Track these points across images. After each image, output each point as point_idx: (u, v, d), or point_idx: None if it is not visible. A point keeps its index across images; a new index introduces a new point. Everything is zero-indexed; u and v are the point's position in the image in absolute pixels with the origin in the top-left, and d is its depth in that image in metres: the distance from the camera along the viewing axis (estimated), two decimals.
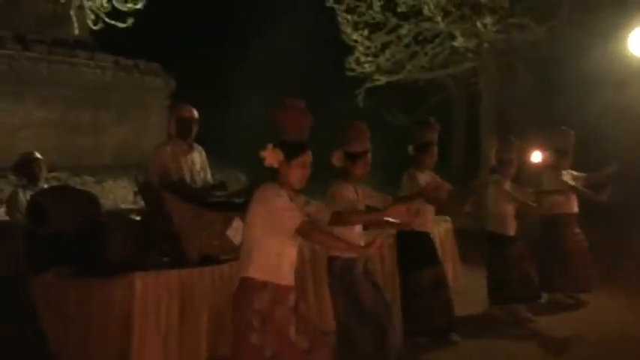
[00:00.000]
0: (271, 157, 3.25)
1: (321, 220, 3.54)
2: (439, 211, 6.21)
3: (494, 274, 6.30)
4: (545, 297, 6.73)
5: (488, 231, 6.35)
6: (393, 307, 4.50)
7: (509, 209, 6.23)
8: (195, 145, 5.73)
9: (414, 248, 5.46)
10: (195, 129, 5.62)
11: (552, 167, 6.85)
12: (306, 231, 3.21)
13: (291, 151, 3.29)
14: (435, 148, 5.55)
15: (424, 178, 5.44)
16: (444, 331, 5.53)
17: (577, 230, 6.91)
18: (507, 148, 6.27)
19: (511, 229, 6.25)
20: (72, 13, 9.73)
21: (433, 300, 5.44)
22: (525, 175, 6.52)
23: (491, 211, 6.31)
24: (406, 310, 5.47)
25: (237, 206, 5.18)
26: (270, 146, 3.28)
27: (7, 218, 6.42)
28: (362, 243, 4.39)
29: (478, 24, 11.86)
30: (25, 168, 6.07)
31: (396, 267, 6.41)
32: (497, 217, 6.25)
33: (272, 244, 3.26)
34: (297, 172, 3.32)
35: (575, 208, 6.91)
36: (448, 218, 7.85)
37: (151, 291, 4.46)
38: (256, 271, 3.26)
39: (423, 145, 5.52)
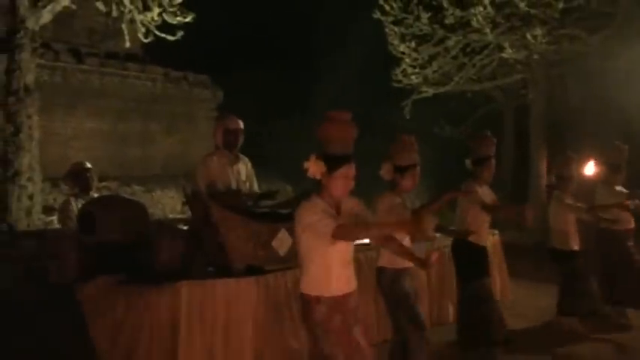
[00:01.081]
0: (314, 168, 3.26)
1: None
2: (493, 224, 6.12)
3: (568, 287, 6.17)
4: (607, 310, 6.60)
5: (552, 248, 6.23)
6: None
7: (572, 224, 6.14)
8: (241, 155, 5.77)
9: (472, 261, 5.39)
10: (241, 140, 5.66)
11: (605, 182, 6.69)
12: (344, 233, 3.20)
13: (334, 162, 3.28)
14: (493, 162, 5.47)
15: (482, 192, 5.38)
16: (499, 345, 5.43)
17: (632, 244, 6.73)
18: (567, 164, 6.19)
19: (575, 243, 6.17)
20: (123, 26, 9.91)
21: (491, 311, 5.35)
22: (577, 189, 6.35)
23: (554, 228, 6.21)
24: (465, 323, 5.40)
25: (284, 217, 5.18)
26: (313, 157, 3.28)
27: (59, 227, 6.54)
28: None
29: (528, 35, 11.68)
30: (77, 177, 6.19)
31: (442, 280, 6.38)
32: (560, 233, 6.16)
33: (318, 259, 3.30)
34: (339, 184, 3.31)
35: (632, 224, 6.72)
36: (496, 231, 7.72)
37: (197, 300, 4.48)
38: (308, 286, 3.33)
39: (480, 159, 5.45)
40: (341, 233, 3.19)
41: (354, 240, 3.40)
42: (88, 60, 12.10)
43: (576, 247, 6.18)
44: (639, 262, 6.66)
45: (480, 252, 5.42)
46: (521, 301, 7.31)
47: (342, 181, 3.31)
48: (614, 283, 6.61)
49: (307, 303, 3.30)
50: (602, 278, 6.61)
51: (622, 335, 6.19)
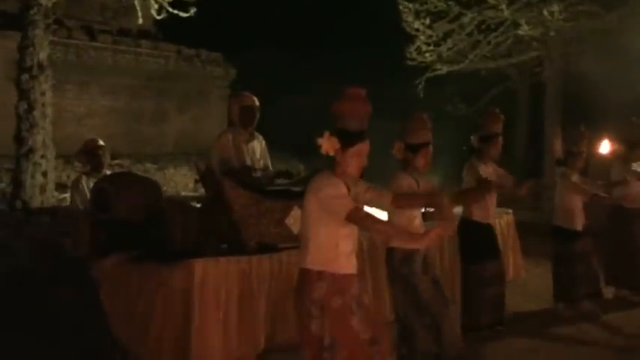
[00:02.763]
0: (328, 144, 3.22)
1: (383, 204, 3.50)
2: (502, 203, 6.07)
3: (559, 268, 6.11)
4: (612, 292, 6.59)
5: (555, 225, 6.15)
6: (450, 306, 4.42)
7: (577, 203, 6.03)
8: (256, 133, 5.75)
9: (475, 240, 5.35)
10: (256, 117, 5.64)
11: (622, 159, 6.60)
12: (357, 218, 3.18)
13: (348, 139, 3.24)
14: (500, 140, 5.41)
15: (486, 169, 5.32)
16: (493, 326, 5.42)
17: None
18: (577, 139, 6.06)
19: (579, 223, 6.05)
20: (136, 3, 9.87)
21: (490, 295, 5.34)
22: (593, 167, 6.29)
23: (559, 205, 6.12)
24: (467, 303, 5.39)
25: (297, 195, 5.16)
26: (327, 134, 3.24)
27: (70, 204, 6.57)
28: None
29: (544, 12, 11.51)
30: (89, 155, 6.19)
31: (454, 261, 6.34)
32: (564, 211, 6.06)
33: (326, 234, 3.24)
34: (353, 161, 3.27)
35: None
36: (510, 210, 7.67)
37: (210, 277, 4.48)
38: (312, 262, 3.26)
39: (487, 136, 5.39)
40: (355, 218, 3.16)
41: (363, 228, 3.37)
42: (100, 37, 12.09)
43: (579, 228, 6.08)
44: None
45: (485, 230, 5.38)
46: (534, 281, 7.28)
47: (356, 158, 3.27)
48: (621, 265, 6.58)
49: (307, 278, 3.25)
50: (609, 258, 6.59)
51: (629, 319, 6.12)
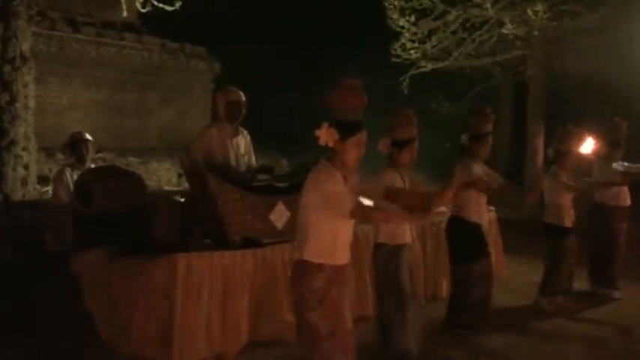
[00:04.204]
0: (326, 136, 3.23)
1: (373, 197, 3.54)
2: (490, 201, 6.10)
3: (553, 265, 6.17)
4: (590, 288, 6.74)
5: (545, 222, 6.22)
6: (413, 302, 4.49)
7: (567, 201, 6.11)
8: (241, 128, 5.74)
9: (466, 240, 5.38)
10: (243, 113, 5.63)
11: (604, 158, 6.67)
12: (359, 214, 3.24)
13: (347, 130, 3.26)
14: (490, 139, 5.44)
15: (477, 168, 5.36)
16: (477, 323, 5.46)
17: (625, 225, 6.74)
18: (566, 138, 6.13)
19: (568, 220, 6.14)
20: None
21: (478, 294, 5.37)
22: (575, 166, 6.34)
23: (549, 203, 6.18)
24: (454, 301, 5.43)
25: (281, 190, 5.17)
26: (325, 125, 3.25)
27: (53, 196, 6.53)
28: (408, 230, 4.40)
29: (529, 11, 11.58)
30: (74, 148, 6.15)
31: (437, 258, 6.39)
32: (555, 208, 6.13)
33: (326, 227, 3.27)
34: (352, 152, 3.30)
35: (628, 201, 6.73)
36: (492, 208, 7.72)
37: (194, 272, 4.48)
38: (312, 254, 3.29)
39: (478, 135, 5.42)
40: (358, 214, 3.22)
41: (366, 222, 3.42)
42: (84, 29, 11.97)
43: (569, 225, 6.15)
44: (621, 244, 6.71)
45: (474, 230, 5.40)
46: (516, 277, 7.35)
47: (356, 148, 3.30)
48: (599, 263, 6.67)
49: (306, 270, 3.28)
50: (590, 255, 6.67)
51: (606, 314, 6.22)
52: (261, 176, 5.56)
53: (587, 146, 6.51)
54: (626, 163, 6.68)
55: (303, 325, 3.30)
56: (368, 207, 3.37)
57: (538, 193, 5.30)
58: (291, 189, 5.02)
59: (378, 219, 3.50)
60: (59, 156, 9.48)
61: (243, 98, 5.63)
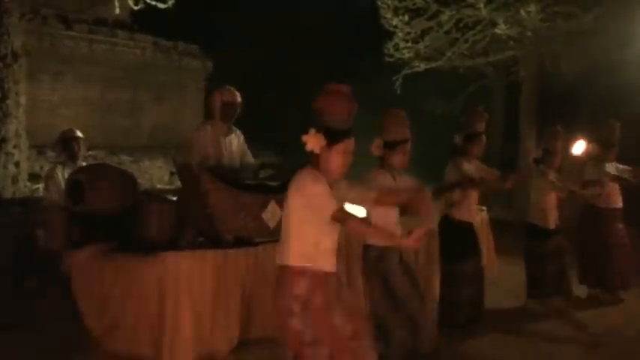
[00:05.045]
0: (313, 142, 3.16)
1: (365, 203, 3.50)
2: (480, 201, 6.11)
3: (532, 267, 6.18)
4: (584, 291, 6.70)
5: (528, 223, 6.23)
6: (426, 302, 4.45)
7: (552, 201, 6.12)
8: (234, 128, 5.75)
9: (457, 239, 5.38)
10: (237, 113, 5.64)
11: (595, 159, 6.68)
12: (340, 218, 3.15)
13: (333, 136, 3.18)
14: (484, 138, 5.46)
15: (470, 167, 5.36)
16: (471, 323, 5.46)
17: (620, 226, 6.74)
18: (553, 138, 6.15)
19: (552, 221, 6.13)
20: None
21: (470, 292, 5.38)
22: (567, 166, 6.36)
23: (534, 203, 6.19)
24: (444, 301, 5.43)
25: (274, 189, 5.16)
26: (312, 131, 3.18)
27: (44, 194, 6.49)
28: (398, 232, 4.36)
29: (522, 11, 11.60)
30: (66, 145, 6.12)
31: (430, 258, 6.37)
32: (539, 208, 6.14)
33: (309, 231, 3.20)
34: (338, 159, 3.21)
35: (620, 203, 6.73)
36: (484, 208, 7.73)
37: (185, 271, 4.47)
38: (294, 258, 3.21)
39: (471, 134, 5.42)
40: (341, 218, 3.15)
41: (348, 229, 3.35)
42: (76, 26, 11.92)
43: (552, 226, 6.16)
44: (624, 243, 6.71)
45: (467, 230, 5.41)
46: (507, 278, 7.35)
47: (342, 155, 3.21)
48: (592, 264, 6.67)
49: (289, 275, 3.21)
50: (581, 257, 6.67)
51: (598, 315, 6.23)
52: (264, 172, 5.56)
53: (579, 147, 6.53)
54: (620, 166, 6.69)
55: (287, 330, 3.23)
56: (351, 215, 3.25)
57: (514, 181, 5.31)
58: (284, 188, 5.00)
59: (358, 230, 3.35)
60: (50, 154, 9.44)
61: (239, 99, 5.63)
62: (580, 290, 6.70)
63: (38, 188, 9.31)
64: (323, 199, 3.12)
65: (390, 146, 4.36)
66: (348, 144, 3.23)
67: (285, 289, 3.22)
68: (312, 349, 3.17)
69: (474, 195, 5.41)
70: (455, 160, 5.37)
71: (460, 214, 5.33)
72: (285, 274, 3.23)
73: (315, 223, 3.19)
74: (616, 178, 6.49)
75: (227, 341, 4.73)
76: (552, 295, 6.20)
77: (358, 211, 3.81)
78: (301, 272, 3.19)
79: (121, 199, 5.08)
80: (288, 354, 3.26)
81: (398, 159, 4.39)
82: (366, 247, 4.37)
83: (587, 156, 6.77)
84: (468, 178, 5.18)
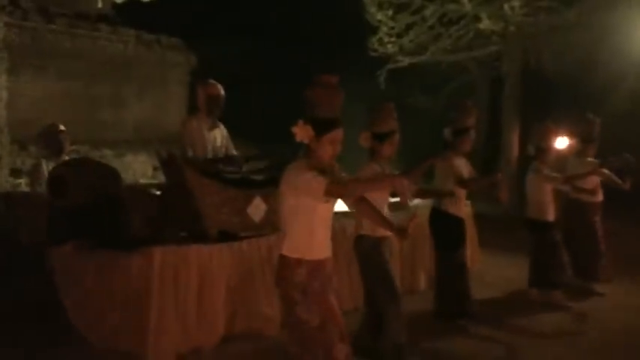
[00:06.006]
0: (302, 132, 3.21)
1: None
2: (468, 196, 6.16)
3: (537, 257, 6.22)
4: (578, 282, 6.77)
5: (528, 218, 6.29)
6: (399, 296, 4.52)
7: (549, 195, 6.19)
8: (218, 122, 5.76)
9: (447, 231, 5.42)
10: (222, 106, 5.65)
11: (577, 154, 6.74)
12: (335, 189, 3.18)
13: (322, 127, 3.24)
14: (473, 134, 5.49)
15: (460, 163, 5.40)
16: (462, 315, 5.50)
17: (599, 219, 6.83)
18: (545, 134, 6.21)
19: (550, 214, 6.21)
20: None
21: (458, 284, 5.42)
22: (549, 161, 6.40)
23: (532, 199, 6.25)
24: (442, 289, 5.47)
25: (259, 184, 5.16)
26: (301, 122, 3.24)
27: (28, 189, 6.43)
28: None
29: (505, 6, 11.67)
30: (50, 139, 6.07)
31: (415, 249, 6.42)
32: (537, 204, 6.20)
33: (302, 223, 3.26)
34: (327, 149, 3.27)
35: (601, 197, 6.81)
36: (468, 202, 7.78)
37: (170, 265, 4.46)
38: (290, 249, 3.28)
39: (460, 130, 5.45)
40: (333, 190, 3.17)
41: (344, 196, 3.41)
42: (57, 20, 11.78)
43: (550, 219, 6.23)
44: (598, 238, 6.79)
45: (458, 223, 5.46)
46: (490, 271, 7.42)
47: (330, 145, 3.27)
48: (577, 257, 6.75)
49: (288, 265, 3.27)
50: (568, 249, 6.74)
51: (587, 306, 6.30)
52: (252, 164, 5.57)
53: (561, 142, 6.59)
54: (596, 161, 6.76)
55: (293, 321, 3.27)
56: (343, 181, 3.32)
57: (506, 192, 5.36)
58: (269, 182, 5.01)
59: (358, 189, 3.44)
60: (33, 148, 9.35)
61: (223, 92, 5.65)
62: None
63: (20, 183, 9.22)
64: (312, 181, 3.16)
65: (379, 138, 4.45)
66: (337, 134, 3.29)
67: (285, 278, 3.28)
68: (322, 334, 3.22)
69: (462, 191, 5.45)
70: (445, 156, 5.41)
71: (450, 208, 5.37)
72: (283, 264, 3.29)
73: (307, 211, 3.24)
74: (601, 173, 6.53)
75: (212, 335, 4.72)
76: (553, 287, 6.27)
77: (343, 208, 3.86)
78: (298, 263, 3.25)
79: (105, 194, 5.05)
80: (291, 340, 3.29)
81: (387, 150, 4.49)
82: (359, 238, 4.42)
83: (569, 151, 6.85)
84: (460, 179, 5.23)
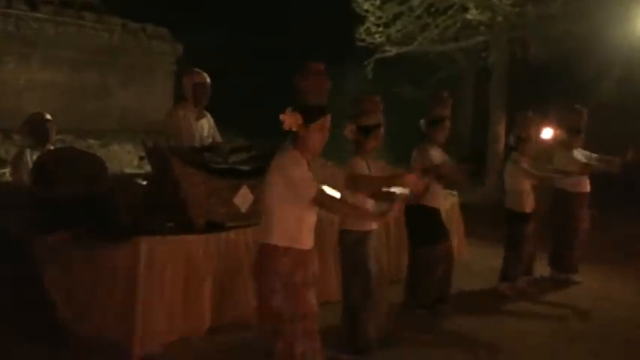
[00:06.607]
0: (290, 120, 3.21)
1: (337, 183, 3.57)
2: (445, 186, 6.14)
3: (513, 251, 6.23)
4: (550, 273, 6.85)
5: (506, 208, 6.29)
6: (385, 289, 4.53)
7: (527, 186, 6.19)
8: (205, 112, 5.74)
9: (424, 224, 5.40)
10: (208, 94, 5.63)
11: (564, 145, 6.76)
12: (322, 201, 3.24)
13: (310, 114, 3.25)
14: (448, 124, 5.46)
15: (434, 153, 5.37)
16: (440, 302, 5.52)
17: (586, 211, 6.86)
18: (526, 125, 6.20)
19: (528, 206, 6.21)
20: None
21: (439, 275, 5.41)
22: (536, 152, 6.42)
23: (510, 189, 6.26)
24: (414, 285, 5.47)
25: (245, 174, 5.13)
26: (289, 110, 3.23)
27: (12, 178, 6.36)
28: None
29: None
30: (36, 128, 5.98)
31: (400, 242, 6.42)
32: (515, 194, 6.20)
33: (291, 211, 3.25)
34: (316, 136, 3.28)
35: (588, 188, 6.83)
36: (455, 192, 7.81)
37: (157, 256, 4.43)
38: (278, 237, 3.26)
39: (435, 120, 5.43)
40: (320, 201, 3.22)
41: (329, 210, 3.43)
42: (42, 8, 11.67)
43: (528, 210, 6.23)
44: (584, 229, 6.83)
45: (433, 215, 5.42)
46: (477, 261, 7.45)
47: (319, 133, 3.29)
48: (561, 247, 6.79)
49: (273, 253, 3.25)
50: (552, 240, 6.76)
51: (565, 296, 6.35)
52: (239, 155, 5.54)
53: (548, 133, 6.60)
54: (588, 153, 6.78)
55: (266, 309, 3.27)
56: (331, 197, 3.34)
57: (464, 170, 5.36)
58: (256, 172, 4.99)
59: (341, 211, 3.50)
60: (17, 137, 9.26)
61: (209, 80, 5.64)
62: (546, 272, 6.87)
63: (5, 173, 9.14)
64: (304, 183, 3.19)
65: (364, 131, 4.43)
66: (325, 121, 3.31)
67: (268, 267, 3.26)
68: (290, 326, 3.22)
69: (440, 181, 5.42)
70: (420, 147, 5.39)
71: (426, 201, 5.33)
72: (269, 253, 3.27)
73: (297, 204, 3.24)
74: (589, 167, 6.55)
75: (199, 326, 4.72)
76: (523, 278, 6.30)
77: (333, 193, 3.85)
78: (285, 252, 3.25)
79: (90, 184, 5.01)
80: (265, 331, 3.29)
81: (372, 143, 4.47)
82: (343, 232, 4.40)
83: (555, 141, 6.86)
84: (434, 168, 5.19)
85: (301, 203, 3.23)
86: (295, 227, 3.27)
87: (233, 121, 13.62)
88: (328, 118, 3.32)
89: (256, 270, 3.33)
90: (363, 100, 4.50)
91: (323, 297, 5.18)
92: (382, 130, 4.49)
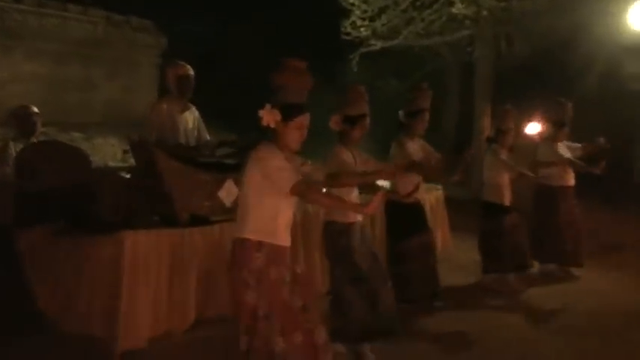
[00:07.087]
0: (268, 117, 3.20)
1: (316, 180, 3.55)
2: (428, 179, 6.14)
3: (488, 243, 6.27)
4: (537, 267, 6.85)
5: (484, 200, 6.32)
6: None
7: (505, 179, 6.22)
8: (190, 105, 5.70)
9: (402, 216, 5.40)
10: (192, 87, 5.59)
11: (548, 139, 6.79)
12: (301, 191, 3.18)
13: (289, 112, 3.23)
14: (427, 115, 5.43)
15: (413, 146, 5.37)
16: (428, 298, 5.53)
17: (572, 203, 6.89)
18: (505, 117, 6.23)
19: (507, 198, 6.24)
20: None
21: (419, 268, 5.41)
22: (520, 146, 6.46)
23: (488, 181, 6.28)
24: (392, 277, 5.47)
25: (230, 167, 5.12)
26: (267, 106, 3.22)
27: None
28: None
29: None
30: (21, 121, 5.92)
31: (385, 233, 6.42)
32: (493, 186, 6.23)
33: (267, 205, 3.23)
34: (294, 134, 3.27)
35: (572, 181, 6.87)
36: (439, 186, 7.84)
37: (141, 250, 4.42)
38: (252, 231, 3.24)
39: (414, 111, 5.42)
40: (299, 191, 3.17)
41: (307, 201, 3.39)
42: (26, 0, 11.57)
43: (507, 203, 6.27)
44: (576, 220, 6.86)
45: (411, 207, 5.42)
46: (462, 254, 7.48)
47: (297, 131, 3.27)
48: (546, 241, 6.81)
49: (247, 248, 3.22)
50: (534, 234, 6.79)
51: (551, 289, 6.41)
52: (223, 149, 5.52)
53: (532, 127, 6.63)
54: (572, 144, 6.81)
55: (240, 305, 3.23)
56: (311, 187, 3.28)
57: (462, 173, 5.35)
58: (241, 166, 4.97)
59: (320, 201, 3.40)
60: (0, 129, 9.17)
61: (192, 72, 5.59)
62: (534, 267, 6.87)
63: None
64: (283, 172, 3.16)
65: (350, 121, 4.41)
66: (304, 119, 3.29)
67: (241, 262, 3.23)
68: (264, 323, 3.18)
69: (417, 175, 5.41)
70: (399, 139, 5.39)
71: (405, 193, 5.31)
72: (243, 247, 3.24)
73: (274, 197, 3.22)
74: (570, 163, 6.59)
75: (183, 320, 4.71)
76: (507, 272, 6.32)
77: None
78: (259, 246, 3.22)
79: (74, 177, 4.97)
80: (240, 328, 3.26)
81: (357, 134, 4.45)
82: (328, 223, 4.40)
83: (540, 135, 6.90)
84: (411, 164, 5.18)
85: (278, 194, 3.20)
86: (271, 221, 3.24)
87: (219, 114, 13.60)
88: (307, 116, 3.29)
89: (231, 265, 3.29)
90: (349, 91, 4.49)
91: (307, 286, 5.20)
92: (368, 120, 4.47)
